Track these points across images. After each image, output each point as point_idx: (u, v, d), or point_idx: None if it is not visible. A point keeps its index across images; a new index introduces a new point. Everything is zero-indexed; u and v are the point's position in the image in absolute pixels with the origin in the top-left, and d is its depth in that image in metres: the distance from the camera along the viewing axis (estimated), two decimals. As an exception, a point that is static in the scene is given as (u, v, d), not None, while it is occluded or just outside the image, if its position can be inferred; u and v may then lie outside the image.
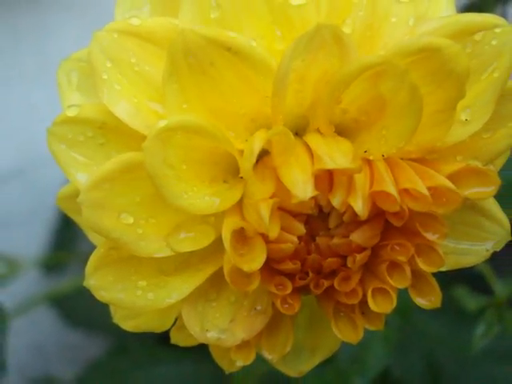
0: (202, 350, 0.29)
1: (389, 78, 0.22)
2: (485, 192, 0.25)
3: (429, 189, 0.23)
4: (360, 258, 0.25)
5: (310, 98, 0.24)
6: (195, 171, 0.24)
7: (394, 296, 0.25)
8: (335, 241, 0.25)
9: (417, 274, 0.25)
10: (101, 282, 0.25)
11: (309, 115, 0.24)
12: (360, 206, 0.23)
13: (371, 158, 0.24)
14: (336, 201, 0.23)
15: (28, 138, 0.76)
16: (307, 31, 0.21)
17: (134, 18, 0.24)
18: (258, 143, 0.22)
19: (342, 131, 0.25)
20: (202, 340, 0.27)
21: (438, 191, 0.23)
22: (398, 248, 0.25)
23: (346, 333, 0.27)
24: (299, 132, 0.25)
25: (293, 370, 0.31)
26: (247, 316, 0.27)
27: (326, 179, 0.23)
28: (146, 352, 0.73)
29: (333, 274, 0.26)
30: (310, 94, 0.24)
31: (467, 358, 0.60)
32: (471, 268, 0.29)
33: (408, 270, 0.25)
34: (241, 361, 0.27)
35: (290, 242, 0.24)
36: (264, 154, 0.24)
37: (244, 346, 0.27)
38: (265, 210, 0.22)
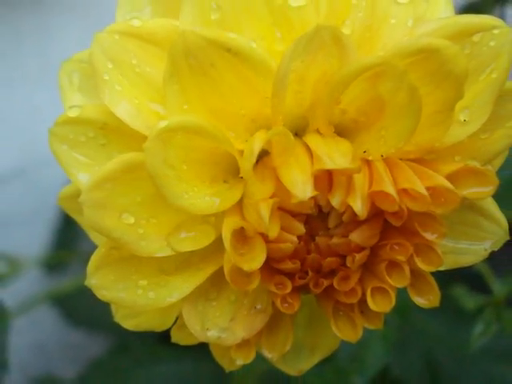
0: (203, 348, 0.29)
1: (388, 78, 0.22)
2: (483, 192, 0.25)
3: (427, 189, 0.23)
4: (359, 257, 0.25)
5: (310, 98, 0.24)
6: (196, 171, 0.24)
7: (393, 295, 0.25)
8: (334, 240, 0.25)
9: (416, 274, 0.25)
10: (102, 281, 0.25)
11: (308, 116, 0.24)
12: (359, 206, 0.23)
13: (370, 158, 0.24)
14: (335, 201, 0.23)
15: (30, 138, 0.76)
16: (307, 32, 0.21)
17: (135, 19, 0.24)
18: (257, 143, 0.22)
19: (342, 131, 0.25)
20: (202, 339, 0.27)
21: (436, 191, 0.23)
22: (396, 247, 0.25)
23: (345, 332, 0.27)
24: (299, 132, 0.25)
25: (292, 369, 0.31)
26: (247, 315, 0.27)
27: (326, 179, 0.23)
28: (147, 351, 0.73)
29: (332, 273, 0.26)
30: (309, 94, 0.24)
31: (465, 357, 0.60)
32: (470, 267, 0.29)
33: (407, 269, 0.25)
34: (241, 359, 0.27)
35: (290, 242, 0.24)
36: (264, 154, 0.24)
37: (244, 344, 0.27)
38: (265, 210, 0.22)
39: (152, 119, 0.24)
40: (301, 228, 0.24)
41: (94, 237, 0.28)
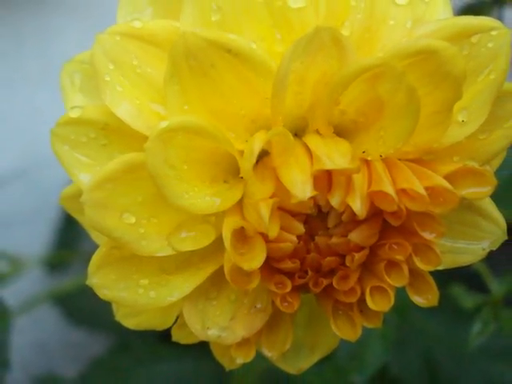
0: (203, 347, 0.29)
1: (387, 79, 0.22)
2: (481, 192, 0.25)
3: (426, 189, 0.23)
4: (358, 256, 0.25)
5: (309, 99, 0.24)
6: (196, 171, 0.24)
7: (392, 294, 0.25)
8: (334, 240, 0.25)
9: (414, 273, 0.25)
10: (103, 280, 0.25)
11: (308, 116, 0.24)
12: (358, 206, 0.23)
13: (369, 158, 0.24)
14: (335, 201, 0.23)
15: (31, 138, 0.76)
16: (306, 34, 0.21)
17: (136, 20, 0.24)
18: (257, 144, 0.22)
19: (341, 132, 0.25)
20: (202, 338, 0.27)
21: (435, 191, 0.23)
22: (395, 247, 0.25)
23: (344, 330, 0.27)
24: (298, 133, 0.25)
25: (292, 367, 0.31)
26: (247, 314, 0.27)
27: (325, 179, 0.23)
28: (148, 349, 0.73)
29: (332, 272, 0.26)
30: (309, 95, 0.24)
31: (464, 356, 0.60)
32: (468, 267, 0.29)
33: (406, 268, 0.25)
34: (241, 358, 0.27)
35: (290, 242, 0.24)
36: (264, 154, 0.24)
37: (244, 343, 0.27)
38: (265, 210, 0.22)
39: (153, 120, 0.24)
40: (300, 228, 0.24)
41: (96, 236, 0.28)
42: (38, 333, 0.86)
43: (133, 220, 0.24)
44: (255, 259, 0.23)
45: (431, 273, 0.26)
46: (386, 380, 0.60)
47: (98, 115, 0.25)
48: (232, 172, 0.25)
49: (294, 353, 0.30)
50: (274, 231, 0.23)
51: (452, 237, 0.27)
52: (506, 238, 0.28)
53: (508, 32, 0.23)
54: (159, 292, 0.26)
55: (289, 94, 0.23)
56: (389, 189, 0.23)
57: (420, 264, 0.25)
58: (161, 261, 0.25)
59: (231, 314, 0.27)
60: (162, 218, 0.24)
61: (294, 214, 0.24)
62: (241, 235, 0.24)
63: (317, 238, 0.25)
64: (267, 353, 0.28)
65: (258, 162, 0.23)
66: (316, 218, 0.25)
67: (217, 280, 0.26)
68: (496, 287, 0.46)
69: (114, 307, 0.29)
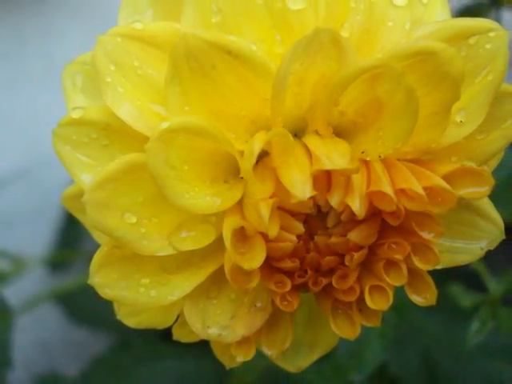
0: (204, 346, 0.29)
1: (385, 80, 0.22)
2: (479, 192, 0.25)
3: (424, 189, 0.23)
4: (357, 256, 0.25)
5: (309, 100, 0.24)
6: (197, 172, 0.24)
7: (391, 293, 0.25)
8: (333, 240, 0.25)
9: (413, 272, 0.25)
10: (105, 279, 0.25)
11: (307, 117, 0.24)
12: (357, 206, 0.23)
13: (368, 158, 0.24)
14: (334, 200, 0.23)
15: (34, 139, 0.76)
16: (306, 35, 0.21)
17: (137, 22, 0.24)
18: (257, 144, 0.22)
19: (340, 133, 0.25)
20: (203, 336, 0.27)
21: (433, 191, 0.23)
22: (394, 246, 0.25)
23: (343, 329, 0.27)
24: (298, 133, 0.25)
25: (292, 366, 0.31)
26: (247, 313, 0.27)
27: (325, 179, 0.23)
28: (149, 348, 0.73)
29: (331, 272, 0.26)
30: (308, 96, 0.24)
31: (462, 354, 0.60)
32: (466, 266, 0.29)
33: (404, 268, 0.25)
34: (241, 356, 0.27)
35: (289, 241, 0.24)
36: (264, 154, 0.24)
37: (244, 342, 0.27)
38: (265, 210, 0.22)
39: (154, 120, 0.24)
40: (300, 227, 0.24)
41: (97, 236, 0.28)
42: (40, 332, 0.86)
43: (134, 220, 0.24)
44: (255, 259, 0.23)
45: (430, 272, 0.26)
46: (385, 378, 0.60)
47: (99, 116, 0.25)
48: (232, 172, 0.25)
49: (294, 351, 0.30)
50: (273, 231, 0.23)
51: (450, 236, 0.27)
52: (503, 237, 0.28)
53: (506, 33, 0.23)
54: (160, 291, 0.26)
55: (288, 95, 0.23)
56: (387, 189, 0.23)
57: (419, 263, 0.25)
58: (162, 260, 0.25)
59: (231, 313, 0.27)
60: (162, 218, 0.24)
61: (294, 214, 0.24)
62: (241, 235, 0.24)
63: (316, 237, 0.25)
64: (267, 351, 0.28)
65: (258, 162, 0.23)
66: (315, 218, 0.25)
67: (217, 279, 0.26)
68: (494, 286, 0.46)
69: (116, 306, 0.29)
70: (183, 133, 0.22)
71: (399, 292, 0.26)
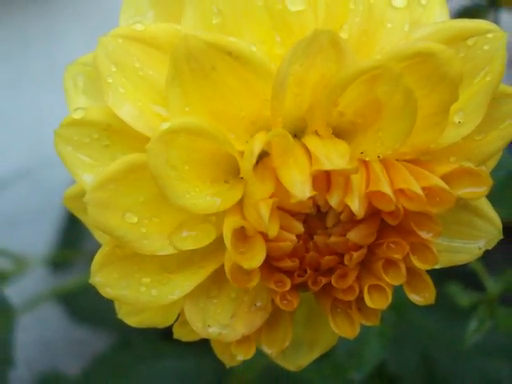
0: (204, 344, 0.29)
1: (384, 81, 0.22)
2: (477, 192, 0.25)
3: (423, 189, 0.23)
4: (357, 255, 0.25)
5: (309, 101, 0.24)
6: (197, 172, 0.24)
7: (390, 293, 0.25)
8: (333, 239, 0.25)
9: (411, 272, 0.25)
10: (106, 279, 0.25)
11: (307, 118, 0.24)
12: (356, 206, 0.23)
13: (367, 159, 0.24)
14: (333, 200, 0.23)
15: (36, 139, 0.76)
16: (305, 37, 0.21)
17: (138, 23, 0.24)
18: (257, 145, 0.22)
19: (339, 133, 0.25)
20: (203, 335, 0.27)
21: (432, 191, 0.23)
22: (393, 246, 0.25)
23: (343, 328, 0.27)
24: (298, 134, 0.25)
25: (292, 364, 0.31)
26: (247, 312, 0.27)
27: (324, 180, 0.23)
28: (150, 347, 0.74)
29: (330, 271, 0.25)
30: (308, 97, 0.24)
31: (460, 353, 0.60)
32: (464, 265, 0.29)
33: (403, 267, 0.25)
34: (241, 355, 0.27)
35: (289, 241, 0.24)
36: (264, 155, 0.24)
37: (244, 340, 0.27)
38: (265, 210, 0.22)
39: (154, 121, 0.24)
40: (300, 227, 0.24)
41: (98, 236, 0.28)
42: (42, 330, 0.86)
43: (135, 219, 0.24)
44: (255, 258, 0.23)
45: (428, 271, 0.26)
46: (383, 377, 0.60)
47: (100, 116, 0.25)
48: (232, 172, 0.25)
49: (294, 350, 0.30)
50: (273, 230, 0.23)
51: (449, 236, 0.27)
52: (501, 237, 0.28)
53: (504, 35, 0.23)
54: (161, 290, 0.26)
55: (288, 96, 0.23)
56: (386, 189, 0.23)
57: (417, 263, 0.25)
58: (162, 259, 0.25)
59: (232, 312, 0.27)
60: (163, 218, 0.24)
61: (294, 214, 0.24)
62: (241, 234, 0.24)
63: (316, 237, 0.25)
64: (267, 350, 0.28)
65: (257, 162, 0.23)
66: (315, 218, 0.25)
67: (217, 278, 0.26)
68: (492, 285, 0.46)
69: (117, 305, 0.29)
70: (184, 133, 0.22)
71: (398, 291, 0.26)
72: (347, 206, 0.23)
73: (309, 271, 0.25)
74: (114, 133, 0.25)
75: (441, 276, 0.31)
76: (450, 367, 0.61)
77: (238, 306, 0.27)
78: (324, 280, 0.25)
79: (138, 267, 0.26)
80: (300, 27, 0.23)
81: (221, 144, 0.23)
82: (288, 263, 0.25)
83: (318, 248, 0.25)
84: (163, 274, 0.26)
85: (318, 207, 0.24)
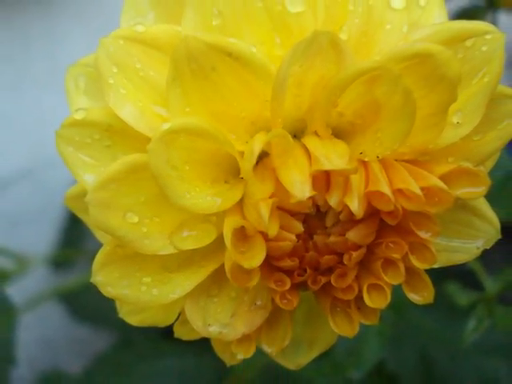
0: (204, 343, 0.29)
1: (383, 82, 0.22)
2: (475, 192, 0.25)
3: (422, 189, 0.23)
4: (356, 255, 0.25)
5: (308, 101, 0.24)
6: (198, 172, 0.24)
7: (389, 292, 0.25)
8: (332, 239, 0.25)
9: (410, 271, 0.25)
10: (107, 278, 0.25)
11: (307, 118, 0.24)
12: (356, 206, 0.23)
13: (366, 159, 0.24)
14: (333, 200, 0.23)
15: (38, 140, 0.76)
16: (305, 38, 0.21)
17: (139, 25, 0.24)
18: (257, 145, 0.22)
19: (339, 134, 0.25)
20: (204, 334, 0.27)
21: (430, 191, 0.23)
22: (392, 246, 0.25)
23: (342, 327, 0.27)
24: (297, 134, 0.25)
25: (291, 363, 0.31)
26: (248, 311, 0.27)
27: (323, 180, 0.23)
28: (150, 345, 0.74)
29: (330, 270, 0.26)
30: (307, 98, 0.24)
31: (458, 352, 0.60)
32: (463, 265, 0.29)
33: (402, 266, 0.25)
34: (241, 354, 0.27)
35: (289, 240, 0.24)
36: (264, 155, 0.24)
37: (244, 339, 0.27)
38: (264, 210, 0.22)
39: (155, 121, 0.24)
40: (299, 227, 0.24)
41: (100, 235, 0.28)
42: (44, 329, 0.86)
43: (136, 219, 0.24)
44: (255, 257, 0.23)
45: (427, 271, 0.26)
46: (382, 375, 0.60)
47: (101, 117, 0.25)
48: (232, 173, 0.25)
49: (293, 349, 0.30)
50: (273, 230, 0.23)
51: (447, 236, 0.27)
52: (499, 236, 0.28)
53: (502, 36, 0.23)
54: (161, 289, 0.26)
55: (288, 97, 0.23)
56: (385, 189, 0.23)
57: (416, 262, 0.25)
58: (163, 259, 0.25)
59: (232, 311, 0.27)
60: (164, 218, 0.24)
61: (293, 214, 0.24)
62: (241, 234, 0.24)
63: (315, 236, 0.25)
64: (267, 349, 0.28)
65: (257, 162, 0.23)
66: (314, 218, 0.25)
67: (218, 278, 0.26)
68: (490, 285, 0.46)
69: (118, 304, 0.29)
70: (184, 134, 0.22)
71: (397, 290, 0.26)
72: (346, 206, 0.23)
73: (308, 270, 0.25)
74: (115, 133, 0.25)
75: (439, 275, 0.31)
76: (448, 366, 0.61)
77: (238, 305, 0.27)
78: (323, 279, 0.25)
79: (138, 266, 0.26)
80: (299, 28, 0.23)
81: (221, 144, 0.23)
82: (288, 262, 0.25)
83: (318, 247, 0.25)
84: (164, 273, 0.26)
85: (317, 207, 0.24)
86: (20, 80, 0.86)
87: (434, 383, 0.61)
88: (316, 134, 0.24)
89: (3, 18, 0.84)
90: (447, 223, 0.27)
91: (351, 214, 0.23)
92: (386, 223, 0.24)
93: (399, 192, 0.23)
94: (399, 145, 0.23)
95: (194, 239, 0.24)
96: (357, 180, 0.23)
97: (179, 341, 0.30)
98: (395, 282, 0.25)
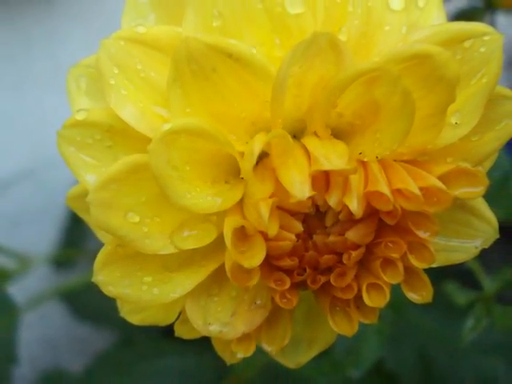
0: (205, 342, 0.29)
1: (382, 83, 0.22)
2: (474, 192, 0.25)
3: (421, 189, 0.23)
4: (355, 254, 0.25)
5: (308, 102, 0.24)
6: (198, 172, 0.24)
7: (388, 291, 0.25)
8: (331, 238, 0.25)
9: (409, 270, 0.25)
10: (108, 277, 0.25)
11: (306, 119, 0.24)
12: (355, 206, 0.23)
13: (366, 159, 0.24)
14: (332, 200, 0.23)
15: (39, 140, 0.76)
16: (305, 39, 0.21)
17: (140, 26, 0.24)
18: (257, 145, 0.22)
19: (338, 134, 0.25)
20: (204, 333, 0.27)
21: (429, 191, 0.23)
22: (391, 245, 0.25)
23: (341, 326, 0.27)
24: (297, 135, 0.25)
25: (291, 362, 0.31)
26: (248, 310, 0.27)
27: (323, 180, 0.23)
28: (151, 344, 0.74)
29: (329, 270, 0.26)
30: (307, 98, 0.24)
31: (457, 351, 0.60)
32: (461, 264, 0.29)
33: (401, 266, 0.25)
34: (241, 353, 0.27)
35: (289, 240, 0.24)
36: (264, 155, 0.24)
37: (244, 338, 0.27)
38: (264, 209, 0.22)
39: (156, 122, 0.24)
40: (299, 226, 0.24)
41: (101, 235, 0.28)
42: (45, 328, 0.86)
43: (137, 219, 0.24)
44: (255, 257, 0.23)
45: (425, 270, 0.26)
46: (381, 374, 0.60)
47: (103, 118, 0.25)
48: (233, 173, 0.25)
49: (293, 348, 0.30)
50: (273, 230, 0.23)
51: (446, 235, 0.27)
52: (497, 236, 0.28)
53: (500, 37, 0.23)
54: (162, 289, 0.26)
55: (288, 98, 0.23)
56: (384, 189, 0.23)
57: (415, 262, 0.25)
58: (164, 259, 0.25)
59: (232, 310, 0.27)
60: (164, 218, 0.24)
61: (293, 214, 0.24)
62: (241, 234, 0.24)
63: (315, 236, 0.25)
64: (267, 348, 0.28)
65: (257, 163, 0.23)
66: (314, 217, 0.25)
67: (218, 277, 0.26)
68: (488, 284, 0.46)
69: (119, 303, 0.29)
70: (185, 134, 0.22)
71: (396, 290, 0.26)
72: (346, 206, 0.23)
73: (308, 270, 0.25)
74: (116, 134, 0.25)
75: (438, 275, 0.31)
76: (447, 364, 0.61)
77: (238, 305, 0.27)
78: (323, 279, 0.25)
79: (139, 266, 0.26)
80: (299, 30, 0.23)
81: (221, 145, 0.23)
82: (287, 262, 0.25)
83: (317, 247, 0.25)
84: (165, 272, 0.26)
85: (317, 207, 0.24)
86: (22, 80, 0.86)
87: (432, 382, 0.61)
88: (315, 134, 0.24)
89: (5, 19, 0.84)
90: (446, 223, 0.27)
91: (350, 213, 0.23)
92: (384, 223, 0.24)
93: (398, 192, 0.23)
94: (398, 145, 0.23)
95: (194, 239, 0.24)
96: (356, 180, 0.23)
97: (180, 340, 0.30)
98: (394, 282, 0.25)
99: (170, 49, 0.23)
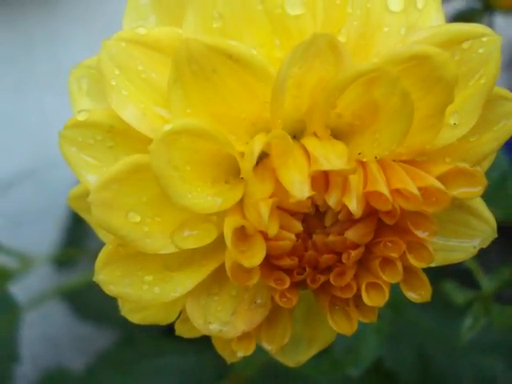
0: (205, 341, 0.29)
1: (381, 84, 0.22)
2: (472, 192, 0.25)
3: (419, 189, 0.23)
4: (354, 254, 0.25)
5: (307, 103, 0.24)
6: (198, 172, 0.24)
7: (387, 290, 0.25)
8: (331, 238, 0.25)
9: (408, 270, 0.25)
10: (109, 277, 0.25)
11: (306, 119, 0.24)
12: (354, 206, 0.23)
13: (365, 159, 0.24)
14: (331, 200, 0.23)
15: (41, 140, 0.76)
16: (304, 40, 0.21)
17: (141, 27, 0.24)
18: (257, 146, 0.22)
19: (338, 134, 0.25)
20: (204, 332, 0.27)
21: (427, 191, 0.23)
22: (390, 245, 0.25)
23: (341, 325, 0.27)
24: (297, 135, 0.25)
25: (291, 360, 0.31)
26: (248, 309, 0.27)
27: (322, 180, 0.23)
28: (152, 343, 0.74)
29: (328, 269, 0.26)
30: (306, 99, 0.24)
31: (455, 349, 0.60)
32: (459, 264, 0.29)
33: (400, 265, 0.25)
34: (241, 351, 0.27)
35: (288, 240, 0.24)
36: (264, 156, 0.24)
37: (245, 337, 0.27)
38: (264, 209, 0.22)
39: (157, 122, 0.24)
40: (299, 226, 0.24)
41: (102, 235, 0.28)
42: (47, 327, 0.86)
43: (138, 219, 0.24)
44: (255, 256, 0.23)
45: (424, 270, 0.26)
46: (380, 373, 0.60)
47: (104, 118, 0.25)
48: (233, 173, 0.25)
49: (293, 346, 0.30)
50: (273, 229, 0.23)
51: (444, 235, 0.27)
52: (496, 236, 0.28)
53: (498, 38, 0.23)
54: (163, 288, 0.26)
55: (287, 98, 0.23)
56: (383, 189, 0.23)
57: (413, 261, 0.25)
58: (164, 258, 0.25)
59: (232, 309, 0.27)
60: (165, 217, 0.24)
61: (293, 213, 0.24)
62: (241, 233, 0.24)
63: (314, 236, 0.25)
64: (267, 346, 0.28)
65: (257, 163, 0.23)
66: (313, 217, 0.25)
67: (218, 276, 0.26)
68: (486, 283, 0.46)
69: (120, 303, 0.29)
70: (185, 135, 0.22)
71: (395, 289, 0.26)
72: (345, 206, 0.23)
73: (308, 269, 0.25)
74: (117, 134, 0.25)
75: (436, 274, 0.31)
76: (445, 363, 0.61)
77: (238, 304, 0.27)
78: (322, 278, 0.25)
79: (140, 265, 0.26)
80: (299, 31, 0.23)
81: (222, 145, 0.23)
82: (287, 261, 0.25)
83: (317, 247, 0.25)
84: (165, 272, 0.26)
85: (316, 207, 0.24)
86: (23, 81, 0.86)
87: (431, 380, 0.61)
88: (315, 134, 0.24)
89: (6, 20, 0.84)
90: (444, 223, 0.27)
91: (350, 213, 0.23)
92: (384, 223, 0.24)
93: (397, 192, 0.23)
94: (397, 145, 0.23)
95: (194, 238, 0.24)
96: (355, 180, 0.23)
97: (180, 339, 0.30)
98: (393, 281, 0.25)
99: (170, 50, 0.23)
